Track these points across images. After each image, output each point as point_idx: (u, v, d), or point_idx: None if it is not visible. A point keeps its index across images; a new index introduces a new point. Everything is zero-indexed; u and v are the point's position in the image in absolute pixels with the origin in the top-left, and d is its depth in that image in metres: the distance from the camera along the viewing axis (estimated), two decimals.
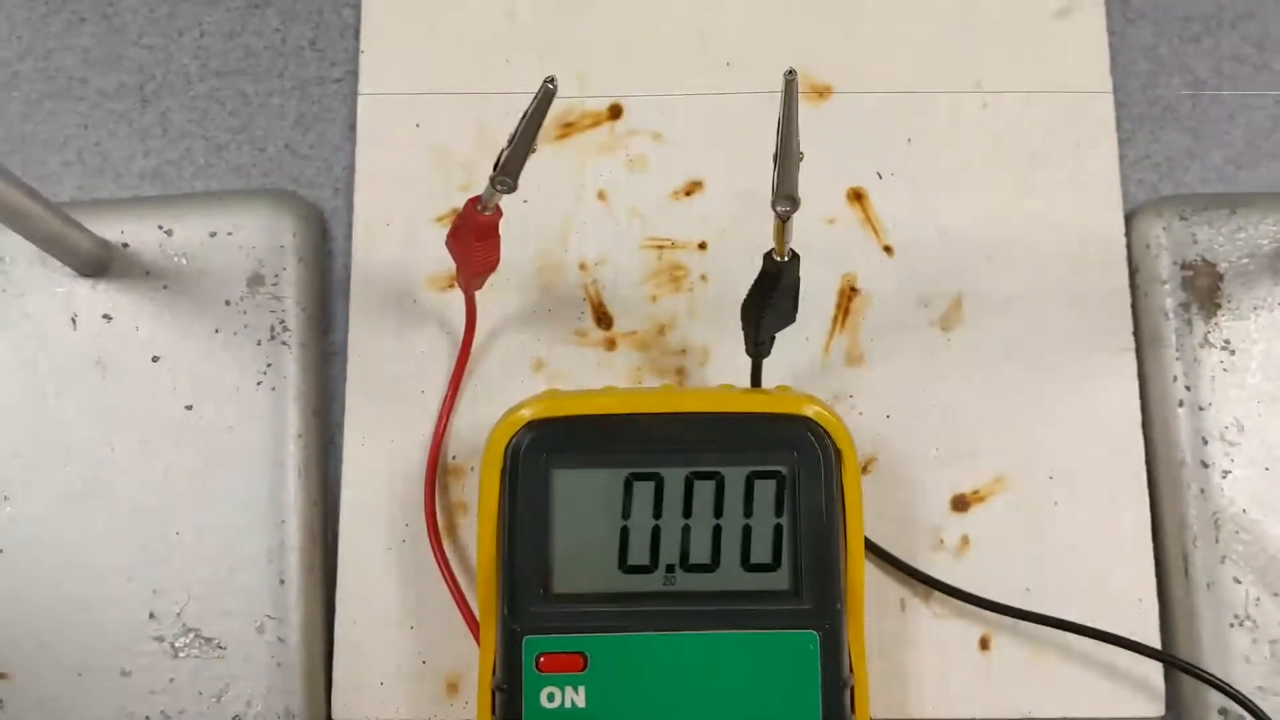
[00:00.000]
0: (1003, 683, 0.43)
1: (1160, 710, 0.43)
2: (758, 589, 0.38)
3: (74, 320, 0.45)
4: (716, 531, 0.38)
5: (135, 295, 0.45)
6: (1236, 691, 0.41)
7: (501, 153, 0.36)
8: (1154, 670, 0.43)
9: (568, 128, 0.47)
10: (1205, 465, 0.44)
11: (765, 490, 0.38)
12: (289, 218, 0.46)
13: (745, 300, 0.39)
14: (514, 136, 0.36)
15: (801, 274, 0.39)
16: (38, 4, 0.49)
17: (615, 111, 0.48)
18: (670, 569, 0.38)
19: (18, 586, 0.43)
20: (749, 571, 0.38)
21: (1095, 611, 0.43)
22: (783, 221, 0.36)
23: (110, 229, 0.45)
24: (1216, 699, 0.42)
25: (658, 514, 0.38)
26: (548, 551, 0.38)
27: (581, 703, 0.37)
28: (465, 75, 0.48)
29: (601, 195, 0.47)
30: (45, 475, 0.43)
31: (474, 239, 0.40)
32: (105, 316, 0.45)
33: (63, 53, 0.49)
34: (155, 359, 0.44)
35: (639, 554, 0.38)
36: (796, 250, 0.37)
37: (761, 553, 0.38)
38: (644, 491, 0.38)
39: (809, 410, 0.39)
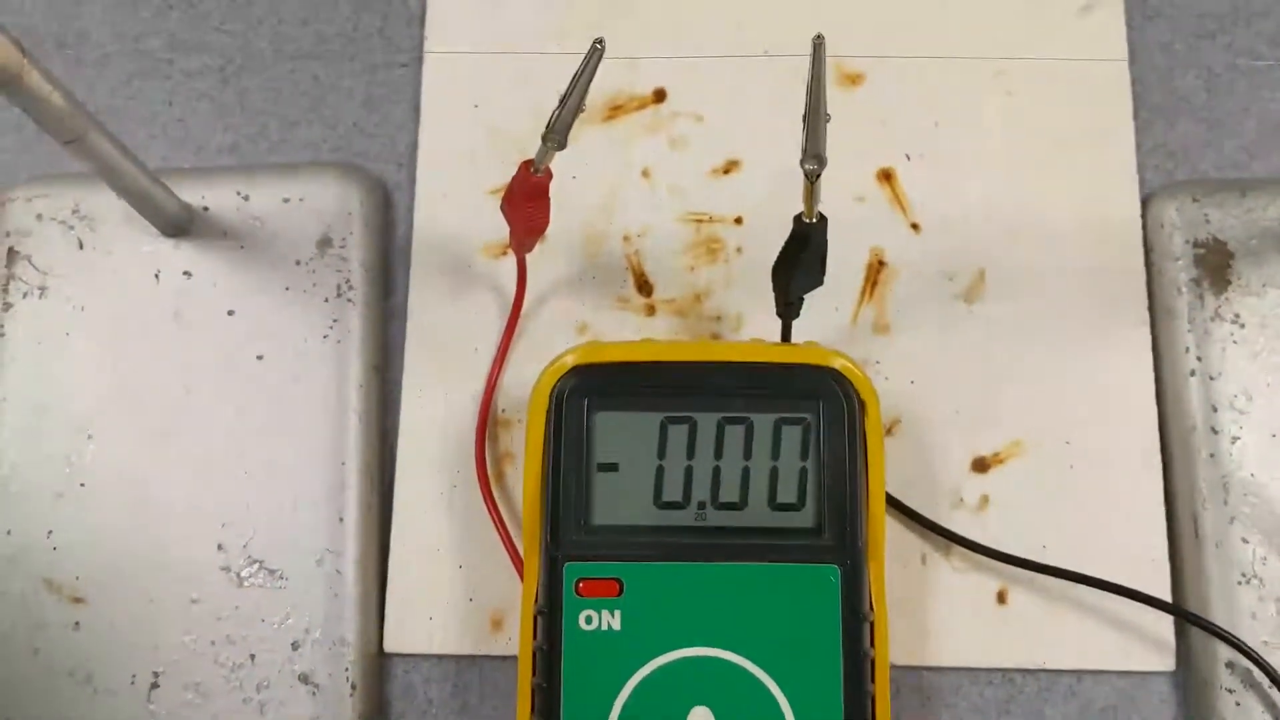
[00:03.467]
0: (1019, 635, 0.45)
1: (1171, 665, 0.45)
2: (783, 526, 0.40)
3: (157, 276, 0.47)
4: (745, 472, 0.40)
5: (213, 254, 0.48)
6: (1244, 644, 0.43)
7: (553, 114, 0.39)
8: (1165, 626, 0.45)
9: (616, 110, 0.51)
10: (1215, 431, 0.46)
11: (792, 435, 0.40)
12: (356, 188, 0.49)
13: (776, 261, 0.41)
14: (565, 96, 0.38)
15: (832, 248, 0.41)
16: None
17: (660, 95, 0.51)
18: (702, 505, 0.40)
19: (97, 519, 0.45)
20: (775, 510, 0.40)
21: (1109, 570, 0.44)
22: (811, 182, 0.37)
23: (192, 194, 0.48)
24: (1225, 652, 0.43)
25: (691, 455, 0.40)
26: (588, 486, 0.40)
27: (617, 625, 0.39)
28: (521, 60, 0.51)
29: (645, 172, 0.50)
30: (126, 417, 0.46)
31: (525, 200, 0.43)
32: (185, 273, 0.48)
33: (151, 36, 0.52)
34: (230, 313, 0.47)
35: (673, 491, 0.40)
36: (827, 220, 0.39)
37: (787, 493, 0.40)
38: (678, 434, 0.40)
39: (835, 363, 0.41)
